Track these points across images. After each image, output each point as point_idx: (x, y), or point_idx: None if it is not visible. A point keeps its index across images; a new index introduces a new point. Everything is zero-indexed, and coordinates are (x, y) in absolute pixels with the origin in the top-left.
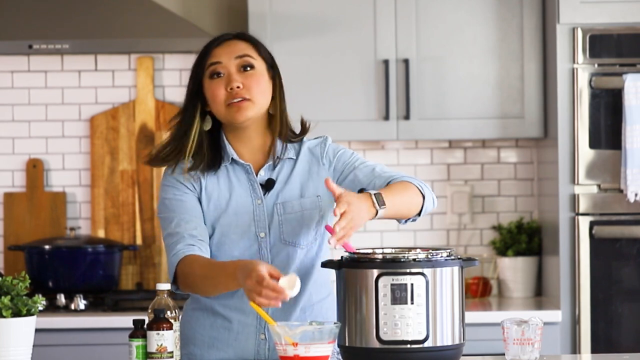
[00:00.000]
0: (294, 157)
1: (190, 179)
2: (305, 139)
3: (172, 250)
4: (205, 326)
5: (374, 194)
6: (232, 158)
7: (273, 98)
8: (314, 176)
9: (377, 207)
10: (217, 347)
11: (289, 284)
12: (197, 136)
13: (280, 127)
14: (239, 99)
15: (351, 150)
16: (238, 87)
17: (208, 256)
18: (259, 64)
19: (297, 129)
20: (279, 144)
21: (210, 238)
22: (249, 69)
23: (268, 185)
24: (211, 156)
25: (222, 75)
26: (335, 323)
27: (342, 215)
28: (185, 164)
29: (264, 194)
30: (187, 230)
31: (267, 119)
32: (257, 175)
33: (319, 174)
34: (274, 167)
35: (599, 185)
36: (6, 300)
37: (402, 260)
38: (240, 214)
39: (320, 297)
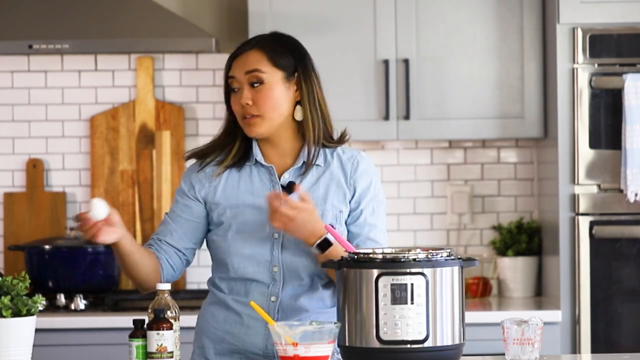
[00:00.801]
0: (322, 164)
1: (205, 182)
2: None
3: None
4: (219, 320)
5: (324, 238)
6: (256, 159)
7: (300, 104)
8: (339, 191)
9: (315, 246)
10: (228, 341)
11: (91, 209)
12: (240, 142)
13: (310, 133)
14: (249, 116)
15: (375, 190)
16: (247, 103)
17: (162, 256)
18: (270, 77)
19: (336, 134)
20: (310, 149)
21: (225, 235)
22: (257, 84)
23: (289, 187)
24: (239, 155)
25: (237, 89)
26: (335, 323)
27: (294, 209)
28: (221, 165)
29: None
30: (158, 235)
31: (295, 124)
32: (280, 178)
33: (344, 192)
34: (304, 172)
35: (599, 185)
36: (6, 300)
37: (402, 260)
38: (257, 213)
39: (333, 302)
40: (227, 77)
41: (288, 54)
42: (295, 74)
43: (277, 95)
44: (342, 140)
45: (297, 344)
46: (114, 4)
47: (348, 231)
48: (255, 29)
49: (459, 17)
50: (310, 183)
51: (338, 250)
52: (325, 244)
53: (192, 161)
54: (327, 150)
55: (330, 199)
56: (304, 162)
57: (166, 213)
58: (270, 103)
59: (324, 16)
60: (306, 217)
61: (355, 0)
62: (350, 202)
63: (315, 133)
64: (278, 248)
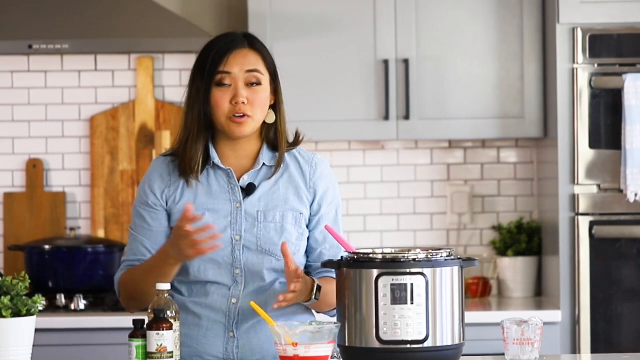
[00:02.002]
0: (281, 166)
1: (164, 187)
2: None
3: (120, 268)
4: None
5: (317, 286)
6: (213, 162)
7: (274, 108)
8: (299, 193)
9: (313, 298)
10: (187, 345)
11: None
12: (200, 145)
13: (283, 136)
14: (241, 115)
15: (334, 192)
16: (243, 102)
17: None
18: (265, 79)
19: (291, 138)
20: (270, 152)
21: None
22: (255, 84)
23: (249, 190)
24: (200, 159)
25: (228, 86)
26: (335, 323)
27: (292, 291)
28: (185, 173)
29: (244, 199)
30: (137, 256)
31: (261, 127)
32: (239, 180)
33: (304, 194)
34: (271, 176)
35: (599, 185)
36: (6, 300)
37: (402, 260)
38: (218, 216)
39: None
40: (219, 72)
41: (270, 57)
42: (274, 78)
43: (267, 97)
44: (297, 141)
45: (297, 344)
46: (114, 4)
47: (312, 237)
48: (255, 29)
49: (459, 17)
50: (270, 185)
51: (327, 288)
52: (318, 292)
53: (160, 160)
54: (285, 153)
55: (290, 201)
56: (263, 164)
57: (131, 228)
58: (263, 105)
59: (324, 16)
60: (303, 283)
61: (355, 0)
62: (311, 205)
63: (285, 137)
64: (240, 250)
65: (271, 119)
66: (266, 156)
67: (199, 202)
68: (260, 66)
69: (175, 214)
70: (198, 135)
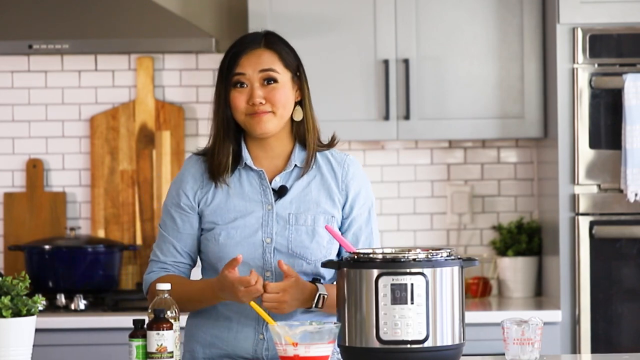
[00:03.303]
0: (313, 168)
1: (197, 188)
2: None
3: (150, 268)
4: (207, 325)
5: (319, 295)
6: (245, 163)
7: (301, 104)
8: (331, 196)
9: (313, 306)
10: (217, 346)
11: None
12: (228, 148)
13: (311, 134)
14: (260, 112)
15: (367, 194)
16: (260, 102)
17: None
18: (283, 77)
19: (325, 140)
20: (303, 152)
21: (216, 240)
22: (272, 82)
23: (280, 192)
24: (230, 160)
25: (245, 85)
26: (335, 323)
27: (277, 293)
28: (217, 176)
29: (276, 200)
30: (169, 258)
31: (290, 125)
32: (271, 182)
33: (336, 197)
34: (301, 175)
35: (599, 185)
36: (6, 300)
37: (402, 260)
38: (249, 218)
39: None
40: (234, 74)
41: (292, 55)
42: (298, 75)
43: (287, 94)
44: (332, 144)
45: (297, 344)
46: (114, 4)
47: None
48: (255, 29)
49: (459, 17)
50: (302, 187)
51: (333, 295)
52: (321, 301)
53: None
54: (317, 154)
55: (322, 204)
56: (295, 165)
57: (161, 227)
58: (283, 100)
59: (324, 16)
60: (293, 294)
61: (355, 0)
62: (343, 207)
63: (314, 134)
64: (271, 252)
65: (299, 115)
66: (298, 157)
67: (231, 204)
68: (276, 65)
69: (207, 215)
70: (225, 138)
